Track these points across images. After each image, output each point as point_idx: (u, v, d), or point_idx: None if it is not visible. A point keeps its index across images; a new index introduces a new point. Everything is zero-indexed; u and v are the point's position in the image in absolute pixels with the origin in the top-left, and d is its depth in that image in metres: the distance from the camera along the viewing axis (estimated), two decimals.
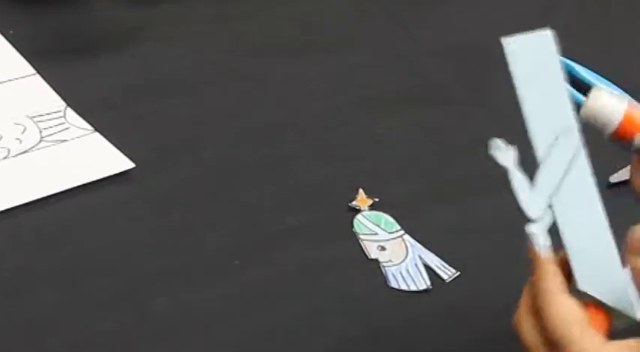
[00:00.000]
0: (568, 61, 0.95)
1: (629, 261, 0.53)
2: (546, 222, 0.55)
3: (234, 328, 0.67)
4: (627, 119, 0.57)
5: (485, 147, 0.83)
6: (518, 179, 0.57)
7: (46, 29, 0.93)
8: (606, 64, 0.95)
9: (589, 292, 0.54)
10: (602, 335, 0.52)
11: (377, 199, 0.77)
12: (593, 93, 0.57)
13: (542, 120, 0.57)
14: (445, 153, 0.85)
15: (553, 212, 0.56)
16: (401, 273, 0.72)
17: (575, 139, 0.56)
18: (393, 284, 0.71)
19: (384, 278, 0.72)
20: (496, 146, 0.57)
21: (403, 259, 0.73)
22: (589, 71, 0.94)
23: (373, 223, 0.76)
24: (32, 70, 0.87)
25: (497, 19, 1.02)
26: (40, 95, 0.84)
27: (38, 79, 0.86)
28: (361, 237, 0.75)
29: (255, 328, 0.67)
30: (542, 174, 0.57)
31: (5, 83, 0.85)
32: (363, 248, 0.74)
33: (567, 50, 0.97)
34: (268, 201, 0.77)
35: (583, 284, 0.54)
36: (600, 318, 0.53)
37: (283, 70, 0.92)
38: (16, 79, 0.86)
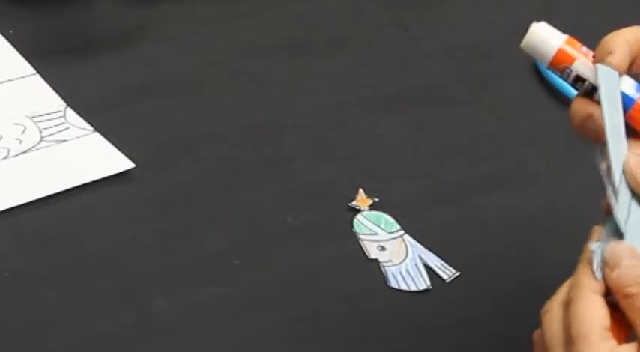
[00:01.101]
0: None
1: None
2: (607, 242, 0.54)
3: (234, 328, 0.67)
4: (564, 48, 0.59)
5: (485, 147, 0.84)
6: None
7: (46, 29, 0.93)
8: None
9: None
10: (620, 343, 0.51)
11: (377, 199, 0.77)
12: (533, 26, 0.59)
13: (616, 146, 0.56)
14: (445, 153, 0.85)
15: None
16: (401, 273, 0.72)
17: None
18: (393, 284, 0.71)
19: (384, 278, 0.72)
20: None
21: (403, 259, 0.73)
22: None
23: (373, 223, 0.76)
24: (32, 70, 0.86)
25: (497, 19, 1.02)
26: (40, 95, 0.84)
27: (38, 79, 0.86)
28: (361, 237, 0.74)
29: (255, 328, 0.67)
30: (619, 202, 0.55)
31: (5, 83, 0.85)
32: (363, 248, 0.74)
33: None
34: (268, 201, 0.77)
35: None
36: (622, 325, 0.52)
37: (283, 69, 0.92)
38: (16, 79, 0.86)
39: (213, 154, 0.81)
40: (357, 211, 0.77)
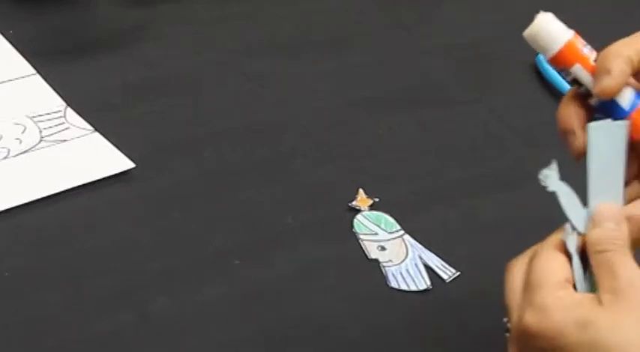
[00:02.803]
0: None
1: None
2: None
3: (234, 328, 0.67)
4: (569, 47, 0.58)
5: (485, 147, 0.84)
6: (578, 265, 0.56)
7: (46, 29, 0.93)
8: None
9: None
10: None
11: (377, 199, 0.77)
12: (539, 17, 0.59)
13: (600, 198, 0.57)
14: (445, 153, 0.85)
15: None
16: (401, 273, 0.72)
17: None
18: (393, 284, 0.71)
19: (384, 278, 0.72)
20: (567, 231, 0.57)
21: (403, 259, 0.73)
22: None
23: (373, 223, 0.76)
24: (32, 70, 0.87)
25: (497, 19, 1.02)
26: (40, 95, 0.84)
27: (38, 79, 0.86)
28: (361, 237, 0.74)
29: (255, 328, 0.67)
30: None
31: (5, 83, 0.85)
32: (363, 248, 0.74)
33: None
34: (268, 201, 0.77)
35: None
36: None
37: (283, 70, 0.92)
38: (16, 79, 0.86)
39: (213, 154, 0.81)
40: (357, 211, 0.77)
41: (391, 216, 0.76)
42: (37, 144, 0.79)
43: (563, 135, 0.59)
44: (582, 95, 0.58)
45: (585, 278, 0.55)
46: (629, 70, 0.57)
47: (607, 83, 0.56)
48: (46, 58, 0.88)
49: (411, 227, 0.76)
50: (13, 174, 0.76)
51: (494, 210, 0.78)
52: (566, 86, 0.93)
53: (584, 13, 1.04)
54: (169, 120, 0.84)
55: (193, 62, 0.91)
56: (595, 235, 0.54)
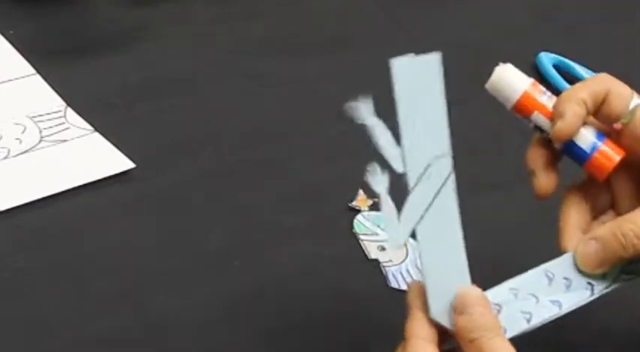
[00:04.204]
0: (568, 61, 0.95)
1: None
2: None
3: (234, 328, 0.67)
4: (526, 97, 0.60)
5: (485, 146, 0.84)
6: (388, 207, 0.56)
7: (46, 29, 0.93)
8: (606, 64, 0.95)
9: (440, 321, 0.55)
10: None
11: (377, 199, 0.77)
12: (498, 69, 0.61)
13: (418, 147, 0.56)
14: None
15: (417, 239, 0.56)
16: (401, 273, 0.72)
17: (446, 168, 0.57)
18: (393, 284, 0.71)
19: (384, 278, 0.72)
20: (372, 171, 0.56)
21: (403, 259, 0.73)
22: (589, 71, 0.95)
23: (373, 223, 0.76)
24: (32, 70, 0.87)
25: (496, 19, 1.02)
26: (40, 95, 0.84)
27: (38, 79, 0.86)
28: (361, 237, 0.75)
29: (255, 328, 0.67)
30: (410, 203, 0.56)
31: (5, 83, 0.85)
32: (363, 248, 0.74)
33: (567, 50, 0.97)
34: (268, 201, 0.77)
35: (436, 313, 0.55)
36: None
37: (283, 69, 0.92)
38: (16, 79, 0.86)
39: (213, 154, 0.81)
40: (357, 211, 0.77)
41: None
42: (37, 144, 0.79)
43: (529, 177, 0.61)
44: (546, 140, 0.60)
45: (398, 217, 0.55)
46: (583, 111, 0.58)
47: (559, 126, 0.58)
48: (46, 58, 0.88)
49: None
50: (13, 174, 0.76)
51: (494, 210, 0.78)
52: (565, 86, 0.93)
53: (583, 14, 1.04)
54: (169, 120, 0.84)
55: (193, 62, 0.91)
56: (464, 323, 0.54)
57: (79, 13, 0.96)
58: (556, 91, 0.96)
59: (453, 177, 0.57)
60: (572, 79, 0.94)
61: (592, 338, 0.69)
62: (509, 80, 0.61)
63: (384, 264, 0.72)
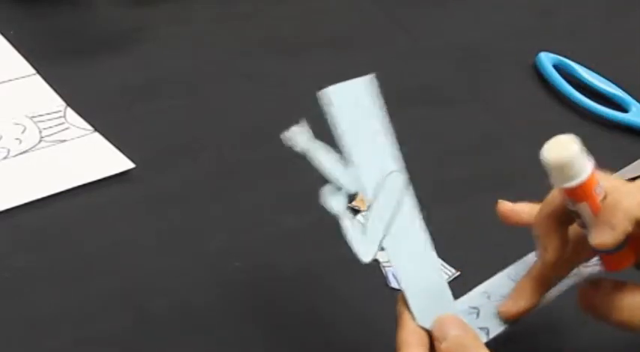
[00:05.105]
0: (568, 61, 0.95)
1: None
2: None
3: (233, 328, 0.67)
4: (585, 185, 0.56)
5: (485, 147, 0.84)
6: (349, 224, 0.57)
7: (46, 29, 0.93)
8: (606, 64, 0.95)
9: (427, 327, 0.57)
10: None
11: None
12: (572, 147, 0.56)
13: (369, 164, 0.57)
14: (445, 153, 0.85)
15: (387, 253, 0.58)
16: None
17: (400, 181, 0.58)
18: (393, 284, 0.71)
19: (384, 278, 0.72)
20: (328, 191, 0.57)
21: None
22: (589, 71, 0.95)
23: None
24: (32, 70, 0.87)
25: (496, 19, 1.02)
26: (40, 95, 0.84)
27: (38, 79, 0.86)
28: None
29: (255, 328, 0.67)
30: (371, 218, 0.57)
31: (5, 83, 0.85)
32: None
33: (567, 50, 0.97)
34: (268, 202, 0.77)
35: (421, 319, 0.57)
36: None
37: (283, 69, 0.92)
38: (16, 79, 0.86)
39: (213, 154, 0.81)
40: (357, 211, 0.77)
41: None
42: (36, 144, 0.79)
43: (535, 239, 0.61)
44: (568, 215, 0.58)
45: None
46: (631, 228, 0.56)
47: (607, 239, 0.56)
48: (46, 58, 0.88)
49: None
50: (13, 174, 0.76)
51: (494, 210, 0.78)
52: (566, 86, 0.93)
53: (583, 14, 1.04)
54: (169, 120, 0.84)
55: (193, 62, 0.91)
56: (447, 349, 0.56)
57: (79, 13, 0.96)
58: (556, 91, 0.96)
59: (410, 189, 0.58)
60: (572, 79, 0.94)
61: (589, 340, 0.69)
62: (579, 161, 0.55)
63: (384, 264, 0.72)
